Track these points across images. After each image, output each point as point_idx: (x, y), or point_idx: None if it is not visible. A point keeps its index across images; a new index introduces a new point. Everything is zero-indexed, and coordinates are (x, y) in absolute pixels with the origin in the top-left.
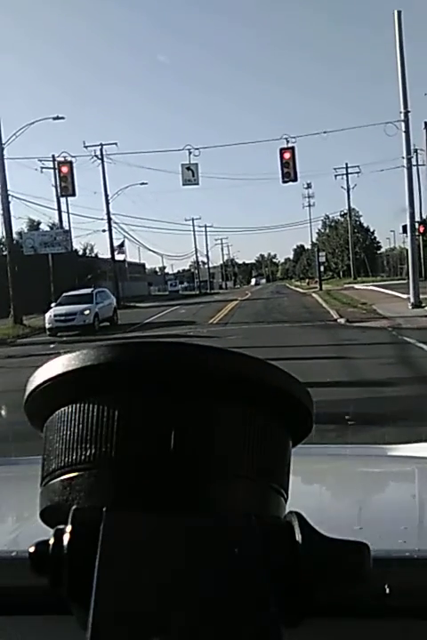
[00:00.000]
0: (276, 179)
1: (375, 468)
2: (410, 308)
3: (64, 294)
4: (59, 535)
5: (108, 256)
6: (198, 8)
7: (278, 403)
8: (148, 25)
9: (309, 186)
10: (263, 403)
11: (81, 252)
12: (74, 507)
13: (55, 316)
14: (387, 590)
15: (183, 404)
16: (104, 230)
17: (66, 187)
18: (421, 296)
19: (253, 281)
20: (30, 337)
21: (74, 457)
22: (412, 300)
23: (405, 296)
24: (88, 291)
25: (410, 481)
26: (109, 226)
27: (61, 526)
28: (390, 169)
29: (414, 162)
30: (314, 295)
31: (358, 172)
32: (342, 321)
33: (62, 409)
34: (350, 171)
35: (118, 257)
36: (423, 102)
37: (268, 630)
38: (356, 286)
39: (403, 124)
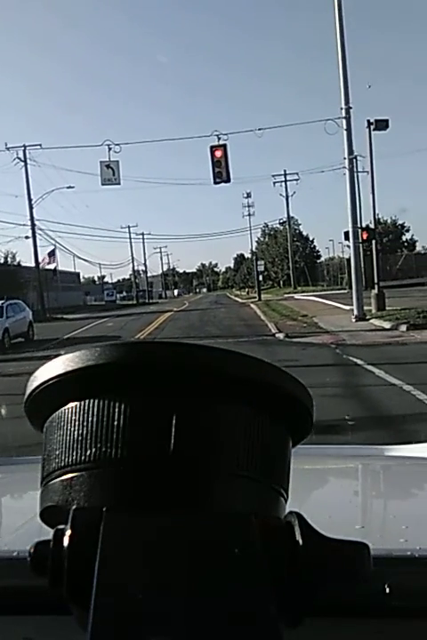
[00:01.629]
0: (215, 185)
1: (375, 467)
2: (354, 320)
3: None
4: (59, 535)
5: (34, 265)
6: (123, 14)
7: (279, 403)
8: (63, 25)
9: (248, 195)
10: (264, 403)
11: (2, 261)
12: (74, 507)
13: None
14: (387, 590)
15: (184, 404)
16: (28, 237)
17: None
18: (365, 308)
19: (175, 291)
20: None
21: (74, 457)
22: (356, 312)
23: (347, 307)
24: None
25: (410, 481)
26: (33, 232)
27: (61, 526)
28: (331, 171)
29: (354, 168)
30: (252, 306)
31: (296, 180)
32: (280, 336)
33: (62, 409)
34: (288, 178)
35: (49, 265)
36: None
37: (268, 630)
38: (296, 296)
39: (344, 122)
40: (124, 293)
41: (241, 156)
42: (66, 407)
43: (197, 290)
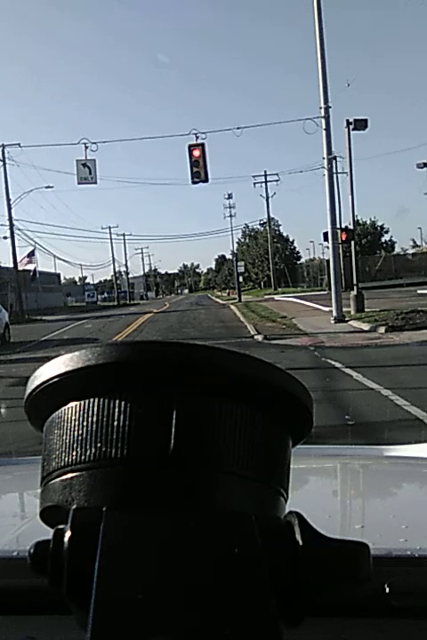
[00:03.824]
0: (193, 186)
1: (375, 468)
2: (333, 322)
3: None
4: (59, 535)
5: (12, 265)
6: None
7: (279, 402)
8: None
9: (230, 196)
10: (264, 402)
11: None
12: (74, 507)
13: None
14: (387, 590)
15: (184, 404)
16: (6, 237)
17: None
18: (343, 309)
19: (154, 293)
20: None
21: (74, 457)
22: (335, 313)
23: (326, 308)
24: None
25: (410, 481)
26: (12, 232)
27: (61, 526)
28: (310, 173)
29: (333, 169)
30: (232, 307)
31: (277, 180)
32: (259, 338)
33: (62, 408)
34: (269, 179)
35: (28, 266)
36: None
37: (268, 630)
38: (276, 297)
39: (323, 121)
40: (106, 294)
41: (225, 156)
42: (66, 407)
43: (179, 291)
